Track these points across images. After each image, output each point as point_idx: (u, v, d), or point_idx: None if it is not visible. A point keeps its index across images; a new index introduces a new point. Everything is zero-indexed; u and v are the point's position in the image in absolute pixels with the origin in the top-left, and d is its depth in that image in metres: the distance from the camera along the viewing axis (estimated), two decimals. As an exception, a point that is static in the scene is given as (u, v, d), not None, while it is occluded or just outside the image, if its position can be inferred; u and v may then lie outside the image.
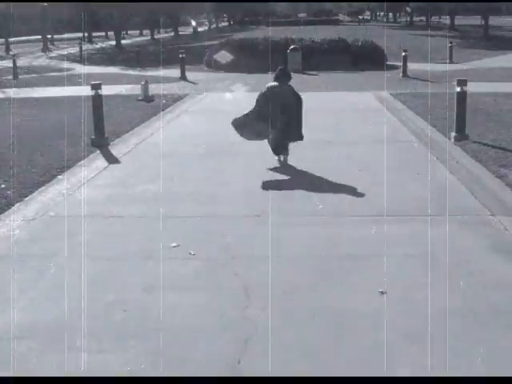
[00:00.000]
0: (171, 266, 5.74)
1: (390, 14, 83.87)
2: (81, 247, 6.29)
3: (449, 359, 4.11)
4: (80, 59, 35.53)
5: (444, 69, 24.74)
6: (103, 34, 63.70)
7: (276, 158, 9.53)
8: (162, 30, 72.07)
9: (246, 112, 9.44)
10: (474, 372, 3.98)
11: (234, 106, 15.39)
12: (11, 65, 26.17)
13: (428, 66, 25.74)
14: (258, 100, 9.39)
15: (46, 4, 41.96)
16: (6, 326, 4.67)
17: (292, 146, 9.67)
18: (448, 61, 27.79)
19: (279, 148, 9.46)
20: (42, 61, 35.80)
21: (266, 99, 9.24)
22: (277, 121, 9.14)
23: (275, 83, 9.36)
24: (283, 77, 9.42)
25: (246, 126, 9.36)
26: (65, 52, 43.56)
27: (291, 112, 9.26)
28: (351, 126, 12.92)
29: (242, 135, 9.57)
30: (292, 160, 9.60)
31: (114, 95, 18.00)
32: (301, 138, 9.49)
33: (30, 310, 4.95)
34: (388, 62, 26.75)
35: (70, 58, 37.46)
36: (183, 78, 23.62)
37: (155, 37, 60.38)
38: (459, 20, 61.39)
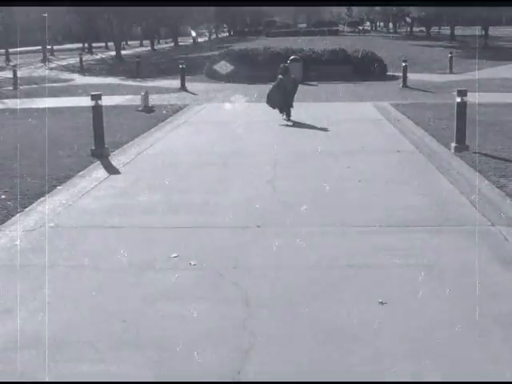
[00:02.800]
0: (171, 276, 5.73)
1: (390, 24, 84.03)
2: (81, 258, 6.29)
3: (448, 369, 4.10)
4: (80, 70, 35.64)
5: (444, 79, 24.82)
6: (103, 44, 63.81)
7: (283, 117, 15.07)
8: (161, 41, 72.27)
9: (271, 89, 15.22)
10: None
11: (234, 117, 15.45)
12: (11, 75, 26.22)
13: (428, 77, 25.85)
14: (276, 83, 15.05)
15: (45, 14, 41.96)
16: (6, 336, 4.66)
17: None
18: (448, 71, 27.87)
19: (284, 110, 15.17)
20: (41, 71, 35.80)
21: (278, 85, 14.97)
22: (284, 97, 14.93)
23: (282, 76, 15.04)
24: (285, 72, 15.09)
25: (271, 99, 15.16)
26: (65, 63, 43.68)
27: (291, 93, 15.16)
28: (351, 136, 12.93)
29: (270, 105, 15.25)
30: (292, 169, 9.61)
31: (114, 106, 18.03)
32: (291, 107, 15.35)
33: (30, 321, 4.94)
34: (388, 73, 26.82)
35: (70, 69, 37.57)
36: (183, 88, 23.66)
37: (155, 47, 60.56)
38: (459, 30, 61.50)
